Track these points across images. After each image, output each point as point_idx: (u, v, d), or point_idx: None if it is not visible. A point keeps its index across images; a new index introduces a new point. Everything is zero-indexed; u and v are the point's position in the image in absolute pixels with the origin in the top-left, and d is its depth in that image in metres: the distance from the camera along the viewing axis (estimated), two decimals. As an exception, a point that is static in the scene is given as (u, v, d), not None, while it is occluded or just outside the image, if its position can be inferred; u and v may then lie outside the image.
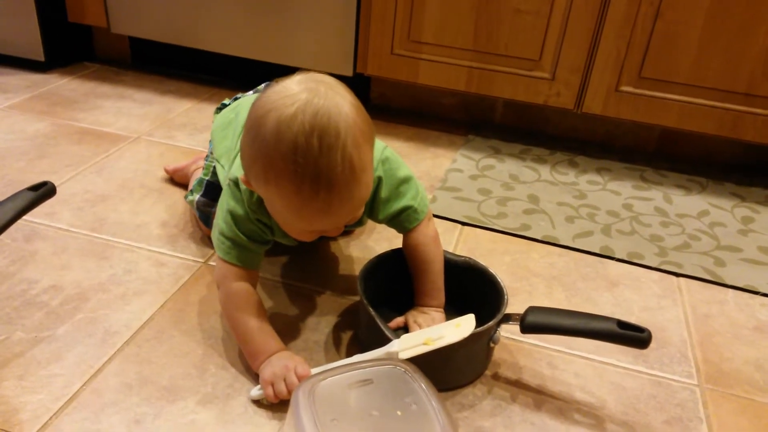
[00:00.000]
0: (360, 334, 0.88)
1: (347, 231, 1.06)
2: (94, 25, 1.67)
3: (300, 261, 1.03)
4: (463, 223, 1.17)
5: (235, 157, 0.86)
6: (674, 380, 0.86)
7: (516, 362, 0.86)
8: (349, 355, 0.84)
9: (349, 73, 1.50)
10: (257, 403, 0.76)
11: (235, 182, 0.78)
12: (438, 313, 0.86)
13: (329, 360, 0.83)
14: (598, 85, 1.35)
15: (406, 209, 0.85)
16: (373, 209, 0.84)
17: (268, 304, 0.93)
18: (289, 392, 0.72)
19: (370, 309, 0.79)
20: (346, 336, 0.88)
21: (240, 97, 1.02)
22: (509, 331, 0.88)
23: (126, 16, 1.62)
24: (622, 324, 0.74)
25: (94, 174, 1.22)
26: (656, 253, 1.13)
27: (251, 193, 0.77)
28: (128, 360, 0.81)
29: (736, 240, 1.19)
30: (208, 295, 0.93)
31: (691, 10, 1.23)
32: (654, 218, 1.24)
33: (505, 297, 0.83)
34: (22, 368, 0.78)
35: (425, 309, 0.86)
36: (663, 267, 1.09)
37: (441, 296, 0.87)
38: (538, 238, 1.14)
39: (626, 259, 1.10)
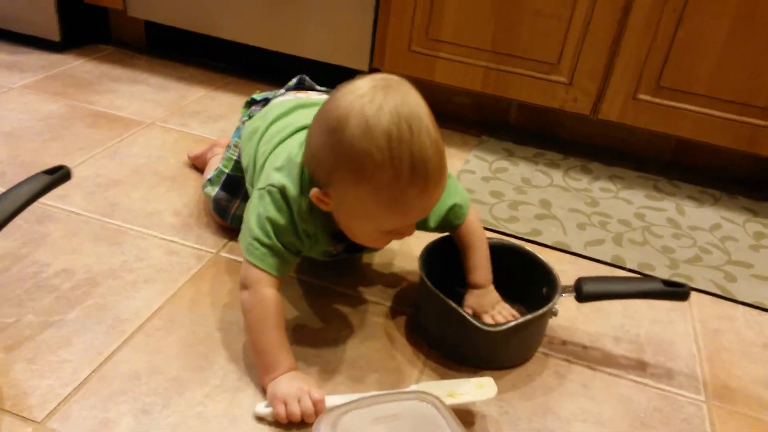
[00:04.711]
0: (423, 318, 0.90)
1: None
2: (111, 7, 1.66)
3: (332, 262, 1.02)
4: (475, 226, 1.17)
5: (263, 164, 0.85)
6: (681, 395, 0.86)
7: (524, 370, 0.86)
8: (368, 359, 0.84)
9: (364, 68, 1.50)
10: (261, 420, 0.73)
11: (281, 190, 0.77)
12: (491, 293, 0.89)
13: (347, 361, 0.83)
14: (616, 92, 1.34)
15: (453, 207, 0.87)
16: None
17: (298, 304, 0.93)
18: (303, 415, 0.71)
19: (432, 286, 0.84)
20: (366, 337, 0.88)
21: (270, 97, 1.01)
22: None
23: (143, -1, 1.61)
24: (665, 282, 0.86)
25: (107, 158, 1.22)
26: (667, 265, 1.12)
27: (302, 201, 0.76)
28: (137, 348, 0.81)
29: (748, 255, 1.19)
30: (218, 286, 0.93)
31: (714, 20, 1.22)
32: (666, 229, 1.24)
33: (554, 271, 0.90)
34: (32, 352, 0.78)
35: (482, 292, 0.88)
36: (674, 279, 1.08)
37: (489, 271, 0.90)
38: (549, 244, 1.14)
39: (637, 269, 1.10)
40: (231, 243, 1.02)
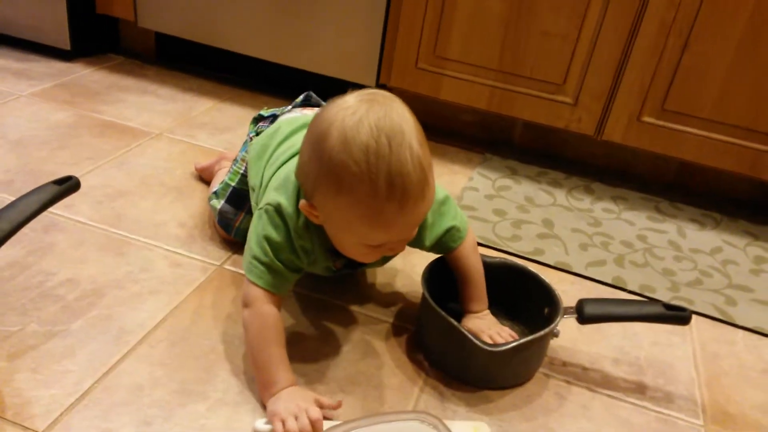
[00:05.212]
0: (424, 336, 0.91)
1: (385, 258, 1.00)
2: (122, 17, 1.68)
3: (335, 278, 1.02)
4: (478, 244, 1.17)
5: (267, 185, 0.86)
6: (680, 419, 0.86)
7: (524, 390, 0.86)
8: (368, 376, 0.85)
9: (372, 83, 1.51)
10: None
11: (276, 208, 0.78)
12: (489, 316, 0.91)
13: (347, 378, 0.84)
14: (620, 114, 1.35)
15: (450, 230, 0.88)
16: (419, 235, 0.84)
17: (299, 319, 0.93)
18: None
19: (434, 305, 0.84)
20: (366, 353, 0.89)
21: (278, 114, 1.02)
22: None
23: (154, 11, 1.63)
24: (667, 306, 0.87)
25: (115, 168, 1.23)
26: (668, 287, 1.13)
27: (297, 217, 0.77)
28: (141, 360, 0.81)
29: (748, 279, 1.19)
30: (221, 298, 0.94)
31: (719, 45, 1.24)
32: (667, 251, 1.24)
33: (556, 292, 0.90)
34: (36, 361, 0.79)
35: (480, 315, 0.90)
36: (674, 302, 1.08)
37: (485, 299, 0.92)
38: (551, 263, 1.15)
39: (638, 291, 1.10)
40: (235, 256, 1.03)
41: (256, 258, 0.78)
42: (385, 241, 0.74)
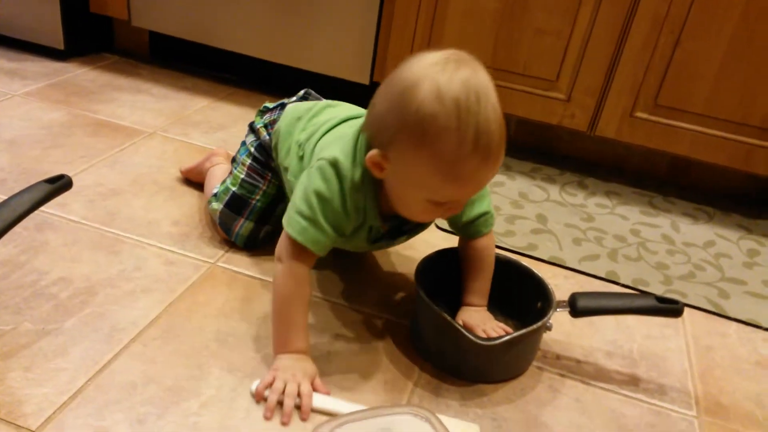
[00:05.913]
0: (419, 331, 0.90)
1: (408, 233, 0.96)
2: (116, 17, 1.68)
3: (330, 274, 1.03)
4: (471, 239, 1.17)
5: (312, 152, 0.87)
6: (673, 411, 0.86)
7: (518, 383, 0.87)
8: (362, 371, 0.85)
9: (365, 81, 1.51)
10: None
11: (332, 162, 0.78)
12: (484, 311, 0.91)
13: (342, 372, 0.84)
14: (613, 110, 1.35)
15: (485, 214, 0.90)
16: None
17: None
18: (284, 394, 0.75)
19: (428, 300, 0.84)
20: (361, 349, 0.89)
21: (286, 102, 1.03)
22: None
23: (147, 10, 1.63)
24: (659, 299, 0.87)
25: (108, 167, 1.23)
26: (661, 281, 1.13)
27: (354, 171, 0.78)
28: (134, 358, 0.81)
29: (741, 272, 1.20)
30: (215, 296, 0.94)
31: (711, 42, 1.24)
32: (660, 245, 1.25)
33: (549, 286, 0.90)
34: (29, 360, 0.79)
35: (477, 309, 0.90)
36: (667, 296, 1.09)
37: (487, 296, 0.93)
38: (545, 258, 1.15)
39: (631, 285, 1.11)
40: (228, 254, 1.03)
41: (299, 212, 0.79)
42: (454, 198, 0.75)
